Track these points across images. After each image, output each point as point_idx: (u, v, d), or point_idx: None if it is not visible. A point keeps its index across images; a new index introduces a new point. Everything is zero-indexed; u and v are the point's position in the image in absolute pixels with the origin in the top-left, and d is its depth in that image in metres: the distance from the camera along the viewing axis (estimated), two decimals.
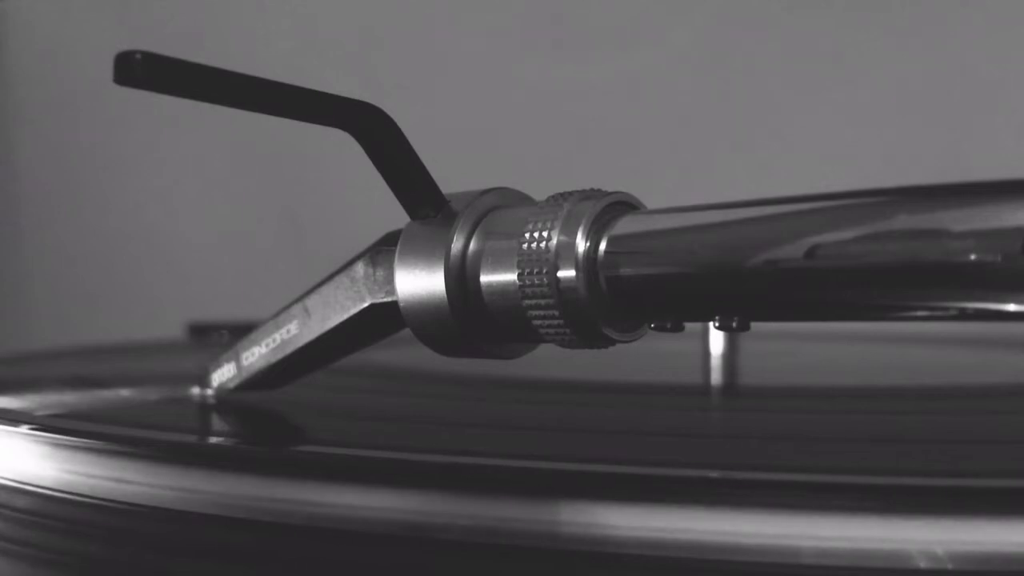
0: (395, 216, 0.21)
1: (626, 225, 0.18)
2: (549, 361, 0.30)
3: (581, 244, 0.18)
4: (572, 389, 0.32)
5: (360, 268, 0.22)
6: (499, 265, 0.19)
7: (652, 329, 0.19)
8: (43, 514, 0.20)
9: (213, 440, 0.23)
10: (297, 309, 0.24)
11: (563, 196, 0.19)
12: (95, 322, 0.76)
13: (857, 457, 0.19)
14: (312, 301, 0.23)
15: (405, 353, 0.36)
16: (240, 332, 0.27)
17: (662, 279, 0.18)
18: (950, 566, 0.14)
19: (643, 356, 0.38)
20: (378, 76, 0.67)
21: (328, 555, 0.17)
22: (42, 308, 0.81)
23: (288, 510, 0.18)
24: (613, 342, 0.19)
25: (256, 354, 0.25)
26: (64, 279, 0.80)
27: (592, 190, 0.19)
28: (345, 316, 0.23)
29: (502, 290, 0.19)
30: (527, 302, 0.19)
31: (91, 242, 0.79)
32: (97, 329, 0.69)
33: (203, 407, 0.26)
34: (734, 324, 0.18)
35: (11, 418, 0.23)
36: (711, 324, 0.18)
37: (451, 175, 0.23)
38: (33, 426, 0.22)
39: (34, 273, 0.82)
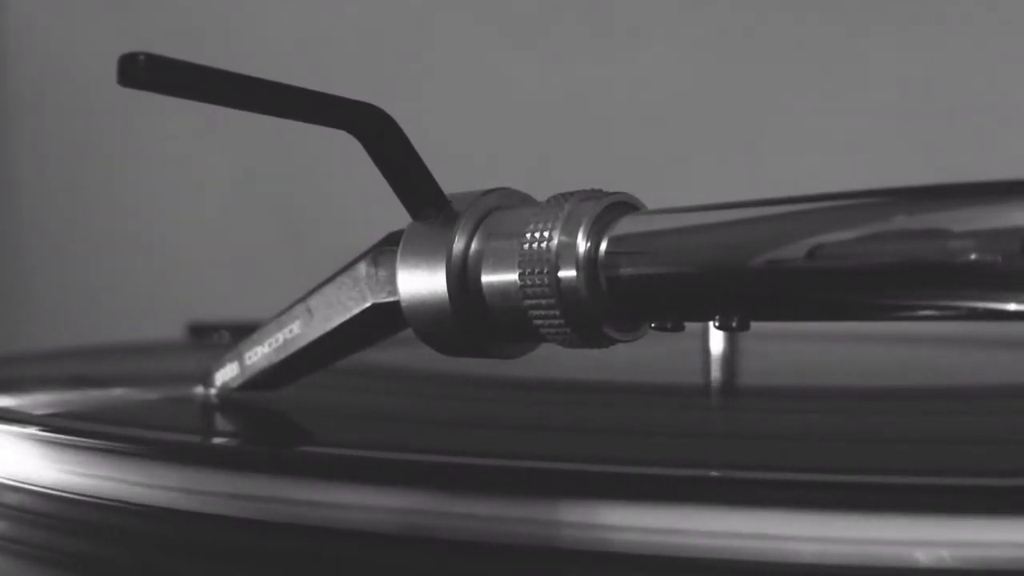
0: (397, 216, 0.21)
1: (627, 225, 0.18)
2: (549, 361, 0.30)
3: (582, 244, 0.18)
4: (572, 389, 0.32)
5: (362, 268, 0.22)
6: (500, 265, 0.20)
7: (652, 329, 0.19)
8: (43, 514, 0.20)
9: (215, 440, 0.23)
10: (300, 309, 0.24)
11: (564, 196, 0.19)
12: (95, 322, 0.76)
13: (857, 457, 0.20)
14: (314, 301, 0.24)
15: (405, 353, 0.36)
16: (240, 332, 0.27)
17: (662, 279, 0.18)
18: (951, 566, 0.14)
19: (643, 356, 0.38)
20: (379, 76, 0.67)
21: (328, 555, 0.17)
22: (42, 308, 0.81)
23: (288, 510, 0.18)
24: (614, 342, 0.19)
25: (259, 354, 0.25)
26: (64, 279, 0.80)
27: (593, 190, 0.19)
28: (347, 316, 0.23)
29: (503, 290, 0.19)
30: (528, 302, 0.19)
31: (91, 242, 0.79)
32: (97, 329, 0.69)
33: (206, 406, 0.26)
34: (734, 324, 0.18)
35: (11, 418, 0.23)
36: (711, 324, 0.18)
37: (453, 175, 0.23)
38: (33, 426, 0.22)
39: (34, 273, 0.82)
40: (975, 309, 0.15)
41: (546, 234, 0.19)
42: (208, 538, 0.19)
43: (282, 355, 0.24)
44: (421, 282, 0.20)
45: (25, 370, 0.38)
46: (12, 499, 0.21)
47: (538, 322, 0.19)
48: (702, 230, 0.17)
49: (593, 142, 0.62)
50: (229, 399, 0.26)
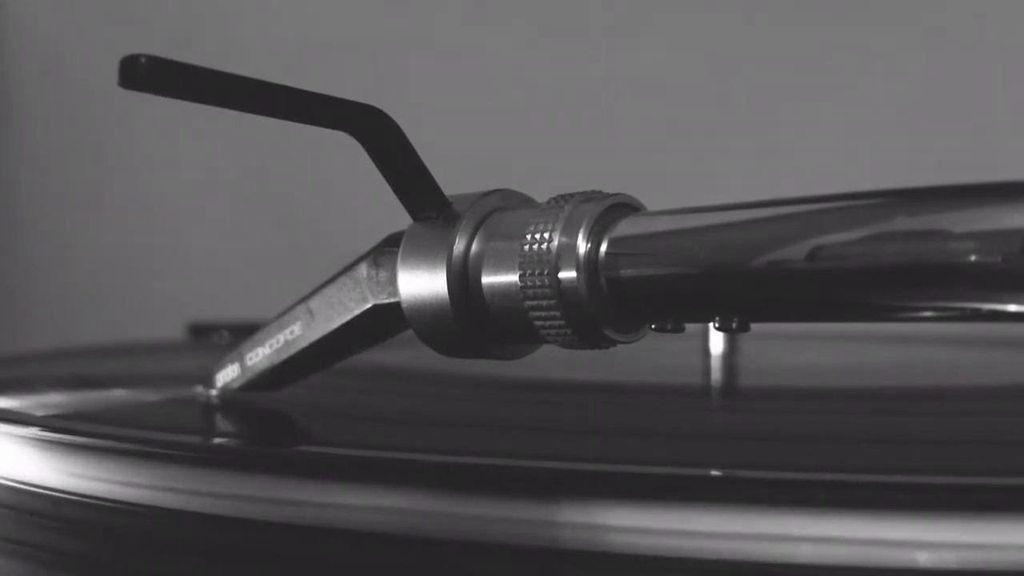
0: (397, 217, 0.21)
1: (627, 227, 0.18)
2: (549, 361, 0.30)
3: (582, 245, 0.18)
4: (572, 389, 0.32)
5: (363, 269, 0.22)
6: (501, 266, 0.20)
7: (652, 330, 0.19)
8: (43, 514, 0.20)
9: (216, 440, 0.23)
10: (300, 310, 0.24)
11: (564, 198, 0.19)
12: (95, 322, 0.76)
13: (856, 457, 0.20)
14: (315, 302, 0.24)
15: (405, 353, 0.36)
16: (240, 332, 0.27)
17: (663, 280, 0.18)
18: (951, 566, 0.14)
19: (643, 356, 0.38)
20: (380, 76, 0.67)
21: (328, 555, 0.17)
22: (42, 308, 0.81)
23: (288, 510, 0.18)
24: (614, 343, 0.19)
25: (260, 354, 0.25)
26: (64, 279, 0.80)
27: (593, 192, 0.19)
28: (348, 317, 0.23)
29: (504, 291, 0.19)
30: (528, 303, 0.19)
31: (91, 242, 0.79)
32: (97, 329, 0.69)
33: (207, 407, 0.26)
34: (734, 325, 0.18)
35: (12, 418, 0.23)
36: (711, 325, 0.18)
37: (453, 176, 0.23)
38: (33, 426, 0.22)
39: (34, 273, 0.82)
40: (975, 310, 0.15)
41: (546, 235, 0.19)
42: (208, 538, 0.19)
43: (283, 356, 0.24)
44: (422, 283, 0.20)
45: (25, 370, 0.38)
46: (12, 499, 0.21)
47: (538, 323, 0.19)
48: (702, 231, 0.17)
49: (594, 143, 0.62)
50: (230, 400, 0.26)
